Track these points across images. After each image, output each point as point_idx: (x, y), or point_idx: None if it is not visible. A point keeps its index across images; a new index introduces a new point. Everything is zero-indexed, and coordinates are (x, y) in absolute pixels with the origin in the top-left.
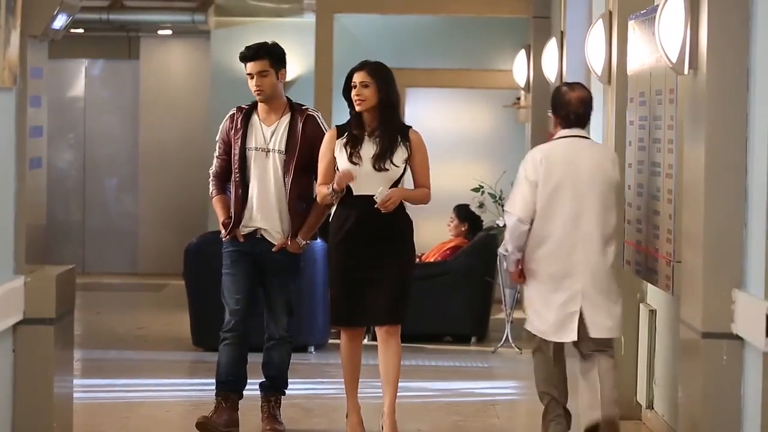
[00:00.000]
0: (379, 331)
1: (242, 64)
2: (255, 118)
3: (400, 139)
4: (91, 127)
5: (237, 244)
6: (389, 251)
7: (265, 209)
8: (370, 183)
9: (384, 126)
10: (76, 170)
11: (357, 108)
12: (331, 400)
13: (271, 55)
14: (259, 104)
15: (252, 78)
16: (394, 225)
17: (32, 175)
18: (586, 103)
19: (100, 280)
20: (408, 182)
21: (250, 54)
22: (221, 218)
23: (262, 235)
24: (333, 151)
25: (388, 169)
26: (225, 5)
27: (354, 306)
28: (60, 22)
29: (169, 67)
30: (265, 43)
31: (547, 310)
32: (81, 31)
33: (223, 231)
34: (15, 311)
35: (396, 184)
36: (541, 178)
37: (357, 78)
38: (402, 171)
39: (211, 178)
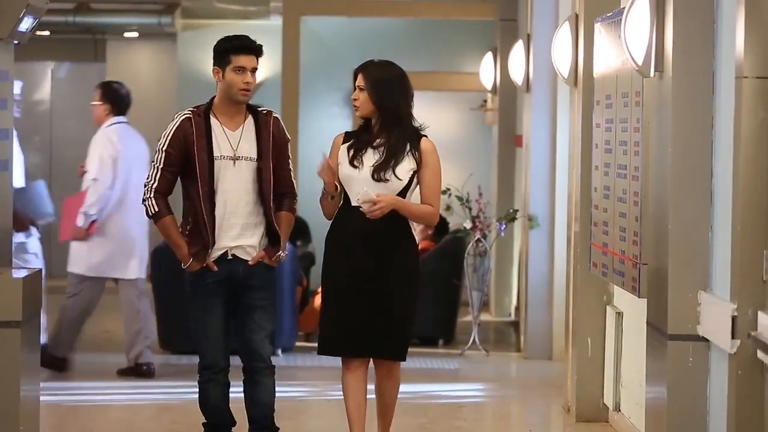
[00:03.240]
0: (377, 365)
1: (210, 64)
2: (214, 122)
3: (409, 149)
4: (57, 129)
5: (209, 275)
6: (391, 274)
7: (238, 226)
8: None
9: (388, 133)
10: (42, 173)
11: (357, 113)
12: (298, 403)
13: (260, 56)
14: (218, 107)
15: (242, 72)
16: (398, 244)
17: None
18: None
19: (66, 283)
20: (415, 197)
21: (253, 46)
22: (183, 248)
23: (234, 255)
24: (337, 157)
25: (388, 180)
26: (191, 8)
27: (349, 334)
28: (26, 24)
29: (135, 70)
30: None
31: None
32: (47, 33)
33: (189, 263)
34: None
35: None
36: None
37: (357, 80)
38: (406, 184)
39: (153, 194)
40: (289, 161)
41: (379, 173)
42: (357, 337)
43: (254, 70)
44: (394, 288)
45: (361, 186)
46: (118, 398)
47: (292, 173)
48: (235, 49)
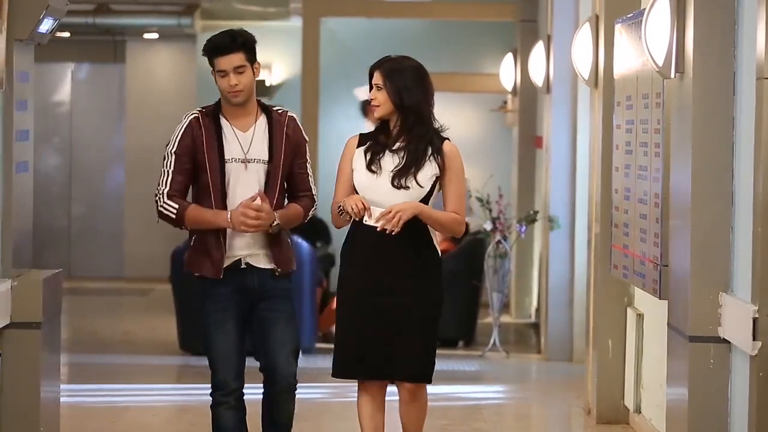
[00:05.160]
0: (401, 388)
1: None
2: (224, 122)
3: (430, 152)
4: (77, 131)
5: (222, 283)
6: (411, 290)
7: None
8: (388, 201)
9: (408, 136)
10: (62, 174)
11: (374, 114)
12: (318, 405)
13: (246, 46)
14: (225, 107)
15: (225, 76)
16: (418, 257)
17: (19, 180)
18: None
19: (86, 284)
20: (437, 205)
21: (225, 45)
22: (220, 215)
23: (248, 263)
24: (351, 162)
25: (408, 187)
26: (211, 9)
27: (366, 354)
28: (46, 25)
29: (155, 71)
30: (233, 30)
31: None
32: (67, 34)
33: (228, 219)
34: (2, 315)
35: None
36: None
37: (373, 78)
38: (428, 191)
39: (165, 198)
40: (307, 163)
41: (399, 180)
42: (375, 358)
43: (237, 68)
44: (414, 303)
45: (379, 195)
46: (137, 400)
47: (311, 177)
48: (209, 53)
